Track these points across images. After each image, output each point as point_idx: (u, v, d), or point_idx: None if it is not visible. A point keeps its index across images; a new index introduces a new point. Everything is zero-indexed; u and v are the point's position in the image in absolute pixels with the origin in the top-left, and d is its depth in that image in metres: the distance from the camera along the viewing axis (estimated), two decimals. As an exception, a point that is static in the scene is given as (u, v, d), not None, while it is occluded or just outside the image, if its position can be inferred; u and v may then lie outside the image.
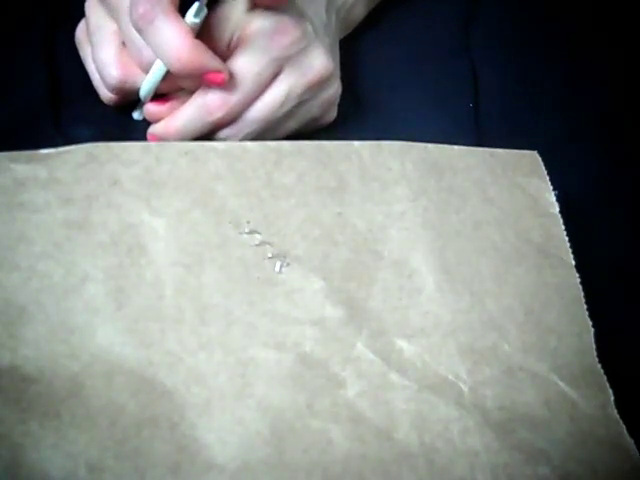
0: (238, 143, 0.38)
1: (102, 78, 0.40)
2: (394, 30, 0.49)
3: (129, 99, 0.42)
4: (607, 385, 0.33)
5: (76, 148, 0.36)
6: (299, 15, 0.39)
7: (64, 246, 0.33)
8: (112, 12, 0.39)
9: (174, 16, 0.36)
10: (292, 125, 0.42)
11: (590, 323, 0.35)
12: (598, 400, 0.33)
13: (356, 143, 0.39)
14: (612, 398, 0.33)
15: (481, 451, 0.31)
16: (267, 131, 0.41)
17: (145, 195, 0.35)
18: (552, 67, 0.49)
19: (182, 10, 0.37)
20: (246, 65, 0.38)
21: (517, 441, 0.31)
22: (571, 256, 0.37)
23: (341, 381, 0.32)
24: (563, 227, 0.38)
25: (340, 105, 0.44)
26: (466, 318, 0.34)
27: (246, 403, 0.31)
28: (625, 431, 0.32)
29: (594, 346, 0.34)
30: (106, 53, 0.39)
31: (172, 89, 0.41)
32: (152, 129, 0.41)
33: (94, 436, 0.29)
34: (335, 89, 0.42)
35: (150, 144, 0.37)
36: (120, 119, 0.43)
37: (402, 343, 0.33)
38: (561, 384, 0.33)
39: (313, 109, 0.41)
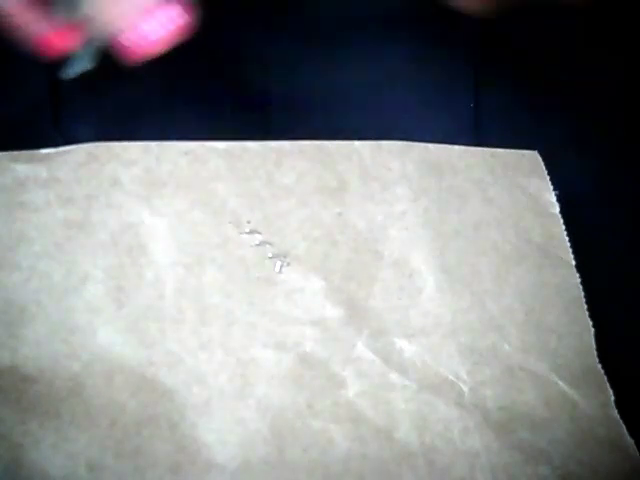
0: (239, 143, 0.38)
1: None
2: (395, 30, 0.49)
3: None
4: (607, 385, 0.33)
5: (76, 148, 0.36)
6: None
7: (64, 246, 0.33)
8: None
9: None
10: None
11: (590, 323, 0.35)
12: (598, 400, 0.33)
13: (356, 143, 0.39)
14: (612, 398, 0.33)
15: (481, 451, 0.31)
16: None
17: (145, 195, 0.35)
18: (552, 67, 0.49)
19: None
20: None
21: (517, 441, 0.31)
22: (571, 256, 0.37)
23: (341, 381, 0.32)
24: (563, 227, 0.38)
25: (340, 105, 0.44)
26: (466, 318, 0.34)
27: (246, 403, 0.31)
28: (625, 431, 0.32)
29: (594, 346, 0.34)
30: None
31: None
32: None
33: (94, 436, 0.29)
34: None
35: (150, 144, 0.37)
36: (121, 119, 0.43)
37: (402, 343, 0.33)
38: (561, 384, 0.33)
39: None
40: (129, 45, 0.33)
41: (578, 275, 0.36)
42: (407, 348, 0.33)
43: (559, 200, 0.39)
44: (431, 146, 0.39)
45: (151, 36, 0.33)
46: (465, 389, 0.32)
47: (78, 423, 0.29)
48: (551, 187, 0.39)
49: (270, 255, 0.35)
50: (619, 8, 0.51)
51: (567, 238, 0.37)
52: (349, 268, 0.35)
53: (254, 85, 0.44)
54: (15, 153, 0.35)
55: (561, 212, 0.38)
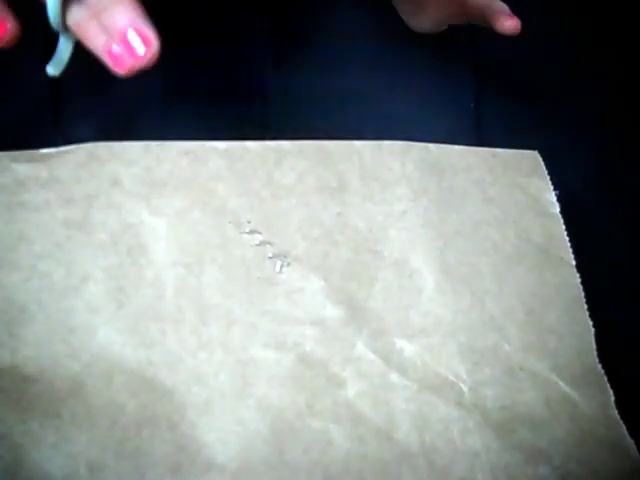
0: (239, 143, 0.38)
1: None
2: (395, 31, 0.49)
3: None
4: (607, 385, 0.33)
5: (76, 148, 0.36)
6: None
7: (64, 246, 0.33)
8: None
9: None
10: None
11: (590, 323, 0.35)
12: (598, 400, 0.33)
13: (356, 143, 0.39)
14: (612, 398, 0.33)
15: (481, 451, 0.31)
16: None
17: (145, 195, 0.35)
18: (552, 67, 0.49)
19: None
20: None
21: (517, 441, 0.31)
22: (571, 256, 0.37)
23: (341, 381, 0.32)
24: (563, 227, 0.38)
25: (340, 105, 0.44)
26: (466, 318, 0.34)
27: (246, 403, 0.31)
28: (625, 431, 0.32)
29: (594, 346, 0.34)
30: None
31: None
32: None
33: (94, 436, 0.29)
34: None
35: (150, 144, 0.37)
36: (121, 119, 0.43)
37: (402, 343, 0.33)
38: (561, 384, 0.33)
39: None
40: None
41: (578, 275, 0.36)
42: (407, 348, 0.33)
43: (559, 200, 0.39)
44: (431, 146, 0.39)
45: None
46: (465, 389, 0.32)
47: (78, 423, 0.29)
48: (551, 187, 0.39)
49: (270, 255, 0.35)
50: (618, 10, 0.51)
51: (567, 238, 0.37)
52: (349, 268, 0.35)
53: (254, 85, 0.45)
54: (15, 153, 0.35)
55: (561, 212, 0.38)
